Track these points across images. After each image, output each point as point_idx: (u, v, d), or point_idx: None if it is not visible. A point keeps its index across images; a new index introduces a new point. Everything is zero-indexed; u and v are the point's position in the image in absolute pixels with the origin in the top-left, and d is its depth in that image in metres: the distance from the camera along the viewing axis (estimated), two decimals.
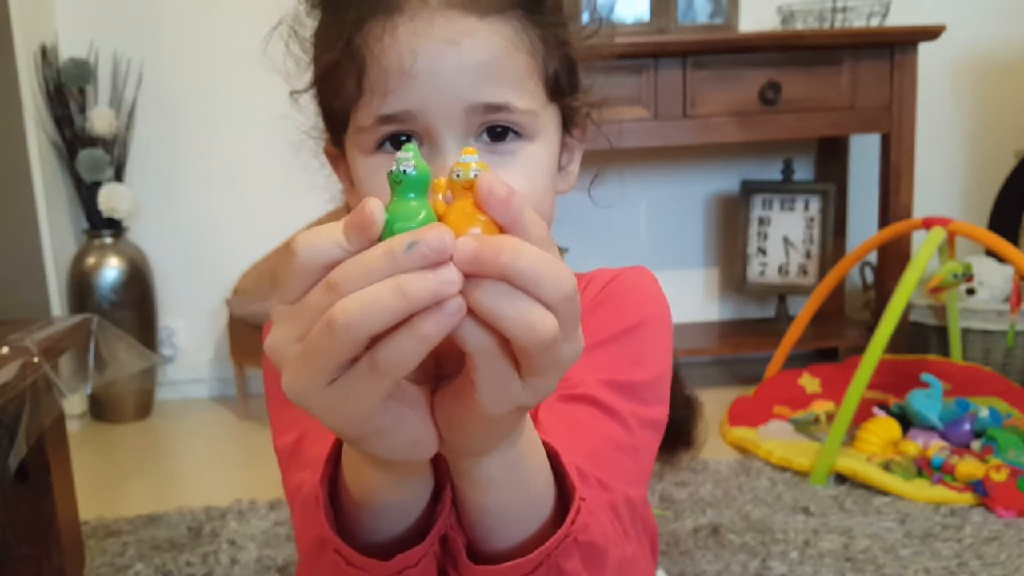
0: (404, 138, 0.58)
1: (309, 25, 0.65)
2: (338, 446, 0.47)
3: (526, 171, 0.59)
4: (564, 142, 0.67)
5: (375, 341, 0.32)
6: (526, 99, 0.58)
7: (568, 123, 0.66)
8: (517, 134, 0.59)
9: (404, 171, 0.33)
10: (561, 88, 0.63)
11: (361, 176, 0.61)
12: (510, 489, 0.44)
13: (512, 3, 0.58)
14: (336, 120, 0.63)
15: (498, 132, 0.58)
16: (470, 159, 0.34)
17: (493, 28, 0.57)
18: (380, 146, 0.59)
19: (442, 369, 0.39)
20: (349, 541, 0.45)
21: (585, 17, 0.70)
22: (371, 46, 0.57)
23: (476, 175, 0.34)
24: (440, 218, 0.34)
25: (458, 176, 0.34)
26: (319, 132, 0.69)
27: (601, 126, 0.70)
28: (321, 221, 2.47)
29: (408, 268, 0.31)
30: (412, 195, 0.34)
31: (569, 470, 0.47)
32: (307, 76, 0.66)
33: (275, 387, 0.68)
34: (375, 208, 0.33)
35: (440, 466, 0.46)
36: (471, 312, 0.32)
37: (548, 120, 0.62)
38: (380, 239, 0.33)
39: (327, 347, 0.32)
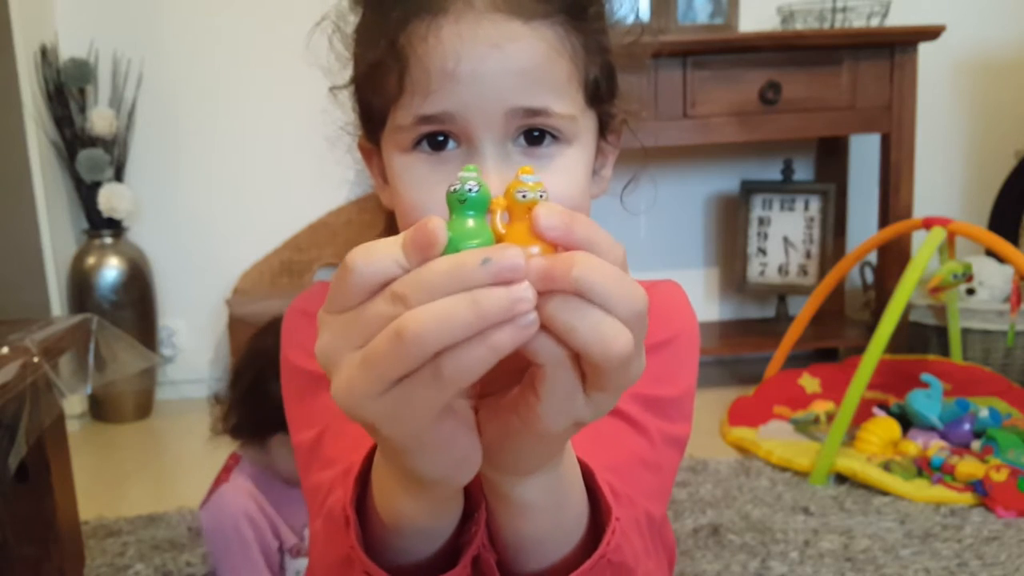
0: (441, 138, 0.58)
1: (352, 22, 0.65)
2: (366, 466, 0.47)
3: (563, 175, 0.59)
4: (599, 147, 0.67)
5: (437, 354, 0.32)
6: (566, 104, 0.58)
7: (604, 128, 0.66)
8: (555, 138, 0.59)
9: (469, 189, 0.33)
10: (600, 94, 0.63)
11: (396, 173, 0.61)
12: (548, 513, 0.43)
13: (556, 8, 0.58)
14: (374, 117, 0.63)
15: (535, 136, 0.58)
16: (530, 179, 0.34)
17: (537, 33, 0.56)
18: (417, 145, 0.59)
19: (487, 387, 0.39)
20: (376, 561, 0.45)
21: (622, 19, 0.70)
22: (415, 46, 0.56)
23: (542, 196, 0.34)
24: (499, 239, 0.34)
25: (524, 197, 0.34)
26: (354, 129, 0.69)
27: (636, 134, 0.70)
28: (321, 221, 2.47)
29: (478, 284, 0.31)
30: (472, 214, 0.34)
31: (604, 489, 0.47)
32: (346, 73, 0.66)
33: (293, 384, 0.67)
34: (438, 227, 0.32)
35: (471, 486, 0.45)
36: (543, 325, 0.32)
37: (586, 125, 0.62)
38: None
39: (393, 355, 0.32)
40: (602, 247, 0.34)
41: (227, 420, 1.31)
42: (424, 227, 0.32)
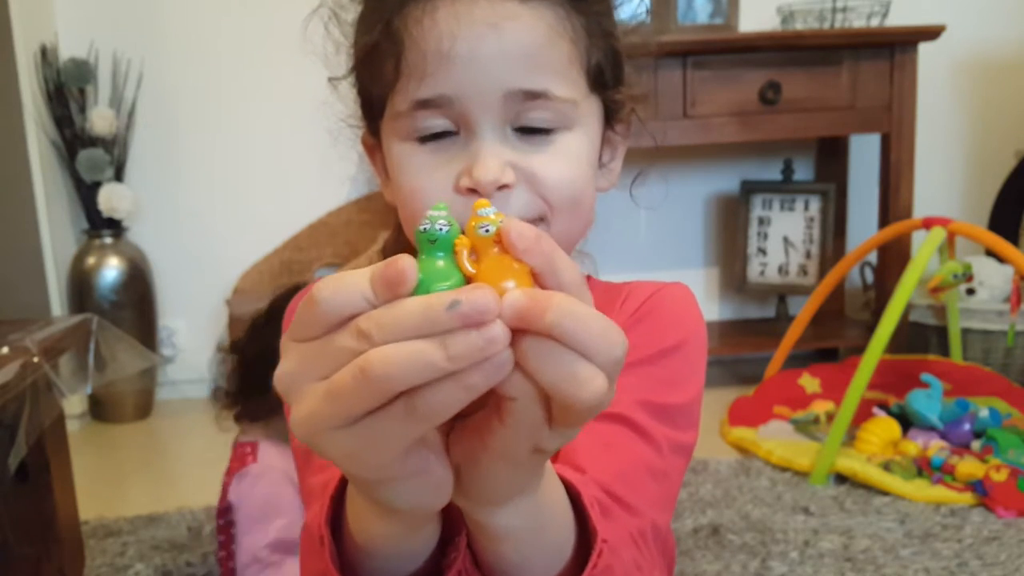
0: (441, 128, 0.57)
1: (350, 9, 0.63)
2: (341, 486, 0.46)
3: (564, 159, 0.58)
4: (606, 137, 0.65)
5: (408, 391, 0.31)
6: (566, 87, 0.57)
7: (611, 117, 0.64)
8: (556, 123, 0.57)
9: (440, 229, 0.33)
10: (604, 80, 0.61)
11: (396, 161, 0.60)
12: (527, 538, 0.42)
13: None
14: (374, 107, 0.62)
15: (536, 123, 0.57)
16: (488, 211, 0.33)
17: (536, 13, 0.55)
18: (421, 141, 0.58)
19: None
20: None
21: (631, 11, 0.68)
22: (410, 28, 0.55)
23: (503, 225, 0.33)
24: (469, 278, 0.33)
25: (487, 232, 0.33)
26: (356, 121, 0.68)
27: (646, 123, 0.68)
28: (321, 220, 2.47)
29: (447, 327, 0.30)
30: (441, 254, 0.33)
31: (591, 511, 0.45)
32: (345, 63, 0.65)
33: None
34: (409, 266, 0.31)
35: (453, 509, 0.44)
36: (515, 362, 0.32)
37: (589, 111, 0.60)
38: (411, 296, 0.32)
39: (357, 391, 0.31)
40: (565, 268, 0.33)
41: (234, 407, 1.32)
42: (395, 265, 0.31)
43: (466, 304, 0.30)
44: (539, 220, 0.59)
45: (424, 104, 0.56)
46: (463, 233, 0.34)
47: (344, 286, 0.32)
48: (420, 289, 0.32)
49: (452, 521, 0.45)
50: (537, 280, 0.33)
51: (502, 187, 0.56)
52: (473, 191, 0.56)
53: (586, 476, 0.53)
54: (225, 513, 1.27)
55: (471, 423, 0.36)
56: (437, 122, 0.57)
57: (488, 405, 0.35)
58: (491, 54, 0.54)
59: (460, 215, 0.56)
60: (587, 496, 0.46)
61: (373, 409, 0.32)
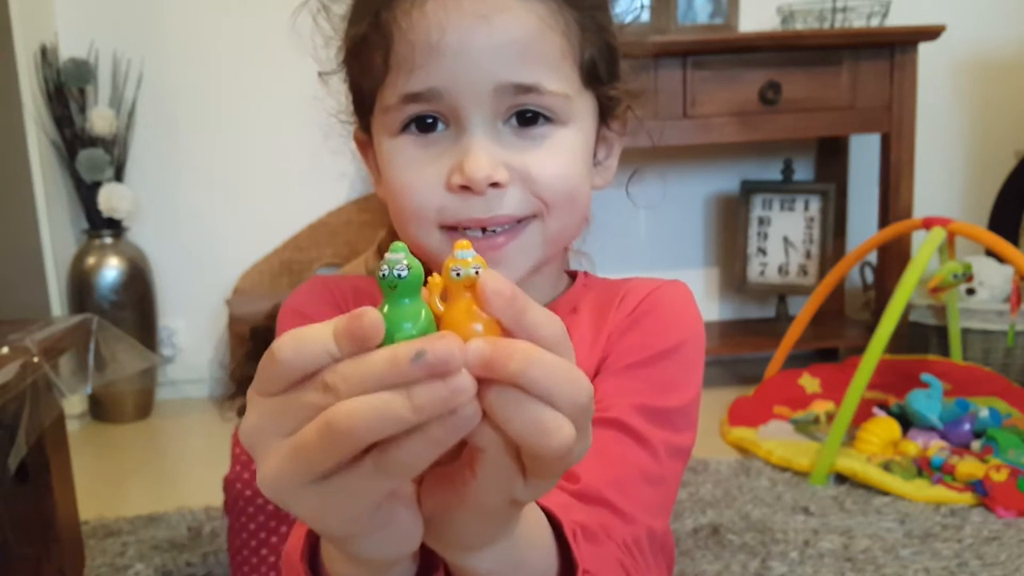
0: (430, 120, 0.56)
1: (340, 1, 0.63)
2: None
3: (557, 155, 0.57)
4: (602, 135, 0.64)
5: (376, 446, 0.31)
6: (558, 81, 0.56)
7: (606, 114, 0.63)
8: (548, 119, 0.56)
9: (398, 275, 0.31)
10: (598, 75, 0.60)
11: (386, 159, 0.59)
12: (507, 574, 0.41)
13: None
14: (364, 101, 0.61)
15: (528, 117, 0.56)
16: (467, 255, 0.32)
17: (526, 6, 0.54)
18: (405, 128, 0.57)
19: None
20: None
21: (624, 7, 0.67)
22: (399, 20, 0.55)
23: (476, 272, 0.32)
24: (439, 318, 0.33)
25: (458, 275, 0.32)
26: (348, 118, 0.67)
27: (643, 121, 0.67)
28: (321, 220, 2.47)
29: (415, 379, 0.30)
30: (407, 300, 0.32)
31: (573, 544, 0.45)
32: (335, 57, 0.64)
33: None
34: (375, 320, 0.31)
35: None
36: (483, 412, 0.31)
37: (582, 106, 0.59)
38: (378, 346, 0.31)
39: (322, 447, 0.31)
40: (541, 324, 0.32)
41: (241, 393, 1.32)
42: (359, 320, 0.31)
43: (431, 354, 0.29)
44: (533, 217, 0.58)
45: (413, 98, 0.55)
46: (431, 273, 0.33)
47: (306, 343, 0.32)
48: (386, 338, 0.31)
49: (430, 555, 0.44)
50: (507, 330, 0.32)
51: (494, 184, 0.55)
52: (466, 188, 0.55)
53: (578, 484, 0.53)
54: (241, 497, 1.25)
55: (444, 474, 0.36)
56: (427, 119, 0.56)
57: (461, 456, 0.35)
58: (481, 46, 0.53)
59: (452, 212, 0.56)
60: (568, 524, 0.45)
61: (340, 465, 0.31)
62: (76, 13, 2.36)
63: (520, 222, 0.58)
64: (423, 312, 0.32)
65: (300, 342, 0.32)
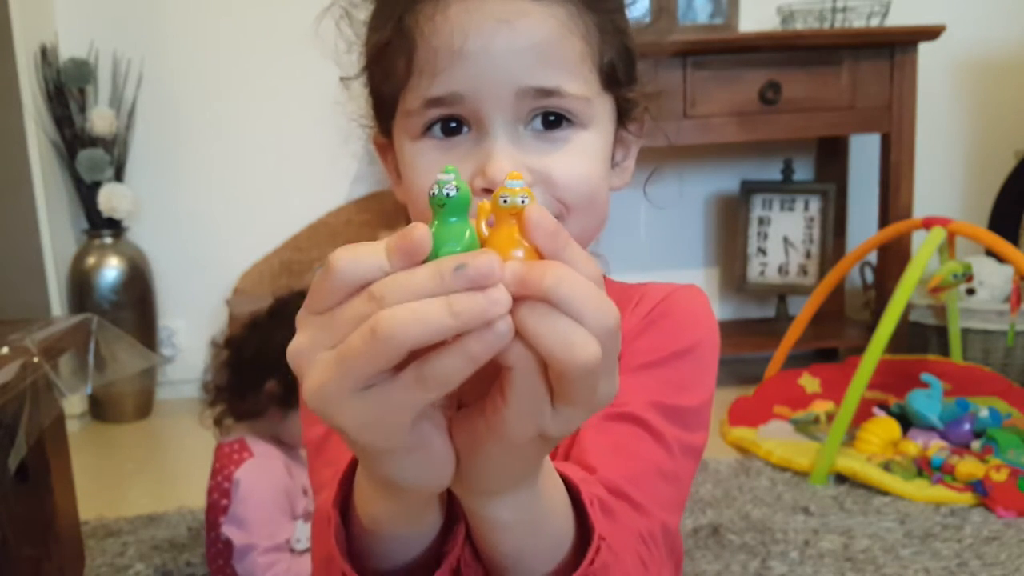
0: (453, 124, 0.57)
1: (363, 7, 0.63)
2: (350, 468, 0.46)
3: (579, 158, 0.58)
4: (619, 136, 0.65)
5: (413, 355, 0.32)
6: (579, 85, 0.57)
7: (624, 116, 0.64)
8: (570, 121, 0.57)
9: (447, 194, 0.33)
10: (617, 78, 0.61)
11: (407, 162, 0.59)
12: (523, 530, 0.43)
13: None
14: (385, 106, 0.61)
15: (550, 120, 0.57)
16: (516, 184, 0.34)
17: (548, 10, 0.55)
18: (427, 130, 0.57)
19: (463, 396, 0.38)
20: (360, 563, 0.45)
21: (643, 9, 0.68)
22: (421, 25, 0.55)
23: (523, 201, 0.34)
24: (483, 242, 0.34)
25: (505, 202, 0.34)
26: (367, 121, 0.67)
27: (660, 123, 0.68)
28: (321, 221, 2.47)
29: (456, 289, 0.31)
30: (455, 219, 0.34)
31: (590, 509, 0.46)
32: (357, 62, 0.65)
33: None
34: (423, 234, 0.33)
35: (454, 498, 0.45)
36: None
37: (602, 109, 0.60)
38: (424, 262, 0.33)
39: (367, 353, 0.32)
40: (579, 260, 0.33)
41: (220, 403, 1.32)
42: (409, 233, 0.33)
43: (471, 268, 0.31)
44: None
45: (436, 102, 0.56)
46: (482, 201, 0.35)
47: (361, 255, 0.33)
48: (431, 255, 0.33)
49: (455, 512, 0.46)
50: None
51: None
52: (488, 191, 0.55)
53: (594, 476, 0.53)
54: (225, 510, 1.27)
55: (474, 408, 0.37)
56: (451, 124, 0.57)
57: (493, 387, 0.36)
58: (503, 51, 0.54)
59: (472, 214, 0.56)
60: (587, 494, 0.46)
61: (382, 375, 0.33)
62: (76, 13, 2.36)
63: None
64: (468, 231, 0.34)
65: (355, 255, 0.33)
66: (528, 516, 0.42)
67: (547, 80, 0.55)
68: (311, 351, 0.34)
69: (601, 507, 0.47)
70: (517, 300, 0.32)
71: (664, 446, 0.58)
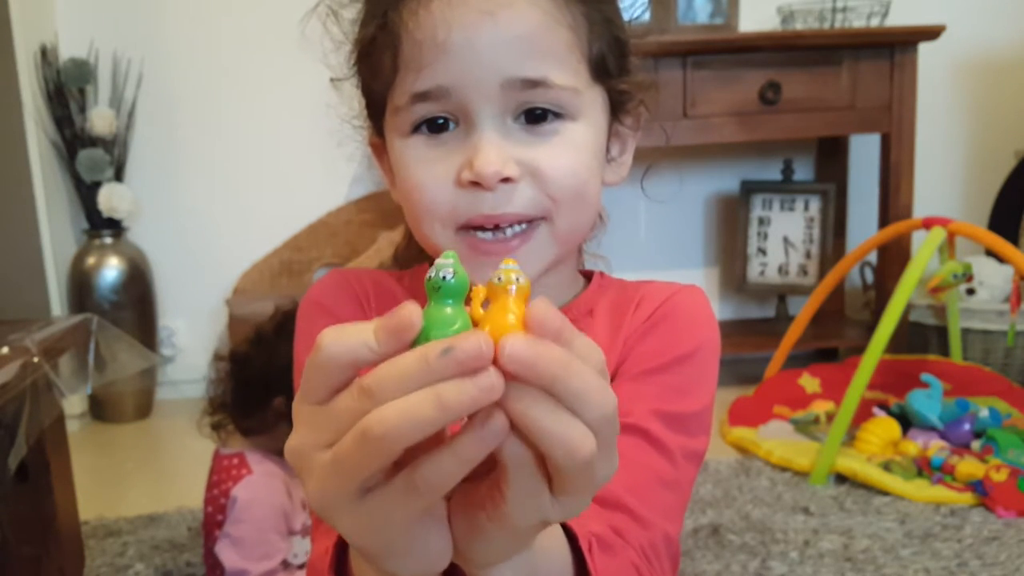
0: (441, 121, 0.56)
1: (350, 7, 0.63)
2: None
3: (567, 150, 0.57)
4: (615, 130, 0.64)
5: (411, 452, 0.32)
6: (566, 75, 0.56)
7: (618, 109, 0.63)
8: (557, 114, 0.57)
9: (444, 277, 0.32)
10: (607, 69, 0.60)
11: (397, 159, 0.59)
12: None
13: None
14: (376, 105, 0.61)
15: (537, 113, 0.56)
16: (511, 267, 0.33)
17: (532, 1, 0.55)
18: (416, 129, 0.57)
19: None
20: None
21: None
22: (406, 21, 0.55)
23: (518, 280, 0.33)
24: (477, 324, 0.33)
25: (500, 280, 0.33)
26: (362, 122, 0.67)
27: (655, 117, 0.67)
28: (321, 221, 2.47)
29: (443, 376, 0.30)
30: (450, 302, 0.33)
31: (588, 555, 0.45)
32: (346, 62, 0.64)
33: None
34: (413, 312, 0.31)
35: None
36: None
37: (592, 101, 0.59)
38: (414, 345, 0.32)
39: (360, 457, 0.31)
40: (584, 350, 0.33)
41: (224, 418, 1.31)
42: (398, 312, 0.31)
43: (459, 351, 0.30)
44: (542, 219, 0.58)
45: (422, 97, 0.55)
46: (476, 285, 0.34)
47: (347, 336, 0.32)
48: (421, 338, 0.32)
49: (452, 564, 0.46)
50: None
51: (505, 180, 0.55)
52: (475, 184, 0.55)
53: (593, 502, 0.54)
54: (220, 525, 1.25)
55: (475, 494, 0.36)
56: (438, 120, 0.56)
57: (490, 480, 0.35)
58: (487, 42, 0.53)
59: (462, 208, 0.56)
60: (583, 536, 0.46)
61: (378, 480, 0.32)
62: (76, 13, 2.36)
63: (531, 223, 0.58)
64: (462, 317, 0.33)
65: (341, 334, 0.32)
66: (528, 571, 0.41)
67: (533, 71, 0.55)
68: (307, 451, 0.34)
69: (599, 545, 0.47)
70: (513, 387, 0.31)
71: (666, 455, 0.58)
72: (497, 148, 0.55)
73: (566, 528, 0.46)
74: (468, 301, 0.34)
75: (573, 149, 0.57)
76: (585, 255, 0.74)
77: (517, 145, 0.56)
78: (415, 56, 0.55)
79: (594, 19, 0.58)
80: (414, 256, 0.73)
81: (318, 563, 0.47)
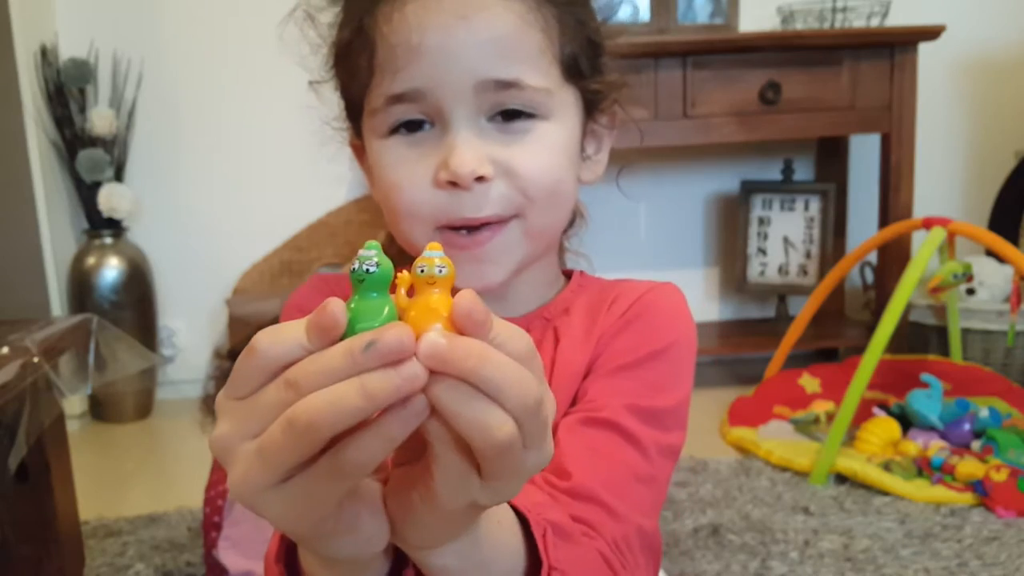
0: (416, 121, 0.57)
1: (324, 8, 0.64)
2: None
3: (540, 150, 0.58)
4: (590, 129, 0.65)
5: (334, 439, 0.32)
6: (539, 77, 0.57)
7: (592, 108, 0.64)
8: (529, 115, 0.58)
9: (367, 269, 0.33)
10: (580, 69, 0.61)
11: (376, 160, 0.60)
12: (472, 571, 0.42)
13: None
14: (354, 107, 0.62)
15: (511, 114, 0.57)
16: (434, 255, 0.34)
17: (505, 4, 0.56)
18: (394, 131, 0.58)
19: (399, 457, 0.38)
20: None
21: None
22: (380, 25, 0.56)
23: (442, 271, 0.33)
24: (402, 313, 0.34)
25: (422, 272, 0.33)
26: (342, 124, 0.68)
27: (631, 116, 0.68)
28: (321, 221, 2.47)
29: (367, 368, 0.31)
30: (375, 294, 0.33)
31: (540, 541, 0.46)
32: (324, 66, 0.65)
33: None
34: (336, 309, 0.32)
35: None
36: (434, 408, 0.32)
37: (565, 101, 0.60)
38: (343, 339, 0.32)
39: (286, 446, 0.32)
40: (506, 339, 0.33)
41: None
42: (323, 309, 0.32)
43: (382, 344, 0.30)
44: (515, 216, 0.59)
45: (397, 99, 0.56)
46: (401, 271, 0.35)
47: (281, 335, 0.33)
48: (349, 330, 0.32)
49: (401, 551, 0.46)
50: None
51: (480, 179, 0.56)
52: (452, 184, 0.56)
53: (569, 481, 0.54)
54: (217, 527, 1.25)
55: (408, 476, 0.37)
56: (412, 116, 0.57)
57: (423, 460, 0.35)
58: (461, 45, 0.54)
59: (440, 208, 0.58)
60: (537, 523, 0.46)
61: (302, 465, 0.32)
62: (76, 13, 2.36)
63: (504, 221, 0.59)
64: (387, 307, 0.33)
65: (276, 336, 0.33)
66: (474, 558, 0.41)
67: (506, 72, 0.56)
68: (232, 441, 0.34)
69: (556, 532, 0.47)
70: (434, 374, 0.31)
71: (640, 450, 0.58)
72: (472, 148, 0.56)
73: (522, 517, 0.46)
74: (394, 288, 0.35)
75: (546, 148, 0.58)
76: (568, 253, 0.75)
77: (492, 144, 0.57)
78: (390, 59, 0.56)
79: (566, 22, 0.60)
80: (396, 255, 0.74)
81: (268, 555, 0.47)
